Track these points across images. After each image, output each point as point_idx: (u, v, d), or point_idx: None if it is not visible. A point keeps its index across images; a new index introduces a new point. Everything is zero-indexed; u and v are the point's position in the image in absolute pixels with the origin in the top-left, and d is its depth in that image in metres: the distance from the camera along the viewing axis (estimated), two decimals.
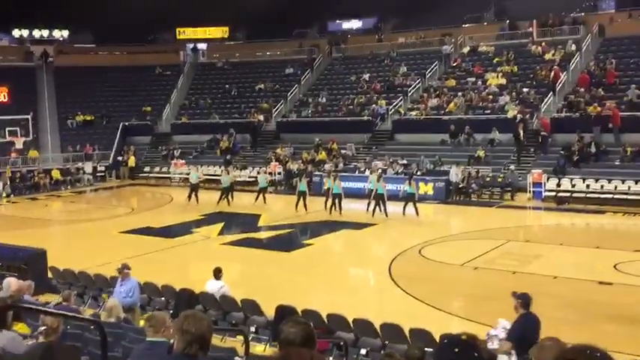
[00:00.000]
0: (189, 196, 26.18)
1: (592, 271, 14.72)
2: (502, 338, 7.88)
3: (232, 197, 25.94)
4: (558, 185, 24.74)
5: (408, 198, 22.30)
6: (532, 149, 28.03)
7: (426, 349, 5.76)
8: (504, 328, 8.02)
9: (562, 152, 26.27)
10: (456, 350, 2.08)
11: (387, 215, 21.99)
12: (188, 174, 29.52)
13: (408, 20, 40.92)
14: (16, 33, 45.03)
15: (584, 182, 24.37)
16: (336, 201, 22.82)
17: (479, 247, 17.28)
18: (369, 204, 22.65)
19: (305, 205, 23.51)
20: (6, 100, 36.97)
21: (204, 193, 27.08)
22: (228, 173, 27.20)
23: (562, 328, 10.57)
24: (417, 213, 21.98)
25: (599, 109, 27.15)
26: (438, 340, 7.83)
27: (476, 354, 2.10)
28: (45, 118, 38.78)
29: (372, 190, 22.70)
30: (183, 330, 3.10)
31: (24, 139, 33.55)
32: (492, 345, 7.91)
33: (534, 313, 7.96)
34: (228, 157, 33.14)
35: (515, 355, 7.58)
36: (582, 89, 29.08)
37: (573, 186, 24.46)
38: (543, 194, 24.69)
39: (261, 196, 25.69)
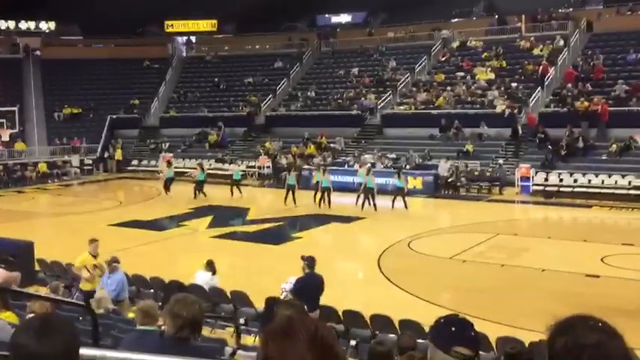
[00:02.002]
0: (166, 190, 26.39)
1: (579, 264, 14.83)
2: (288, 290, 9.76)
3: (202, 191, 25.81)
4: (546, 180, 24.88)
5: (397, 192, 22.34)
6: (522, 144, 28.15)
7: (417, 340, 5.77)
8: (291, 283, 9.82)
9: (550, 147, 26.39)
10: (453, 329, 2.08)
11: (376, 209, 22.01)
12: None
13: (397, 15, 40.84)
14: (2, 25, 44.51)
15: (571, 177, 24.53)
16: (325, 194, 22.81)
17: (467, 240, 17.35)
18: (358, 197, 22.67)
19: (294, 199, 23.48)
20: None
21: (186, 185, 26.98)
22: (202, 167, 26.92)
23: (550, 320, 10.65)
24: (406, 206, 22.03)
25: (586, 104, 27.29)
26: (427, 330, 7.85)
27: (472, 333, 2.10)
28: (31, 111, 38.45)
29: (362, 183, 22.72)
30: (174, 314, 3.07)
31: (10, 131, 33.28)
32: (285, 293, 9.97)
33: (319, 274, 9.58)
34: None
35: None
36: (570, 84, 29.22)
37: (561, 180, 24.60)
38: (531, 188, 24.80)
39: (236, 188, 25.83)
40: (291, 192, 23.59)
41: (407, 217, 21.66)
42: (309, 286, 9.32)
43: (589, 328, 1.68)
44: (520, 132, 27.74)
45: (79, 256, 11.42)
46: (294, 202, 23.40)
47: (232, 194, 25.69)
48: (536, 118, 28.32)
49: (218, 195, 25.87)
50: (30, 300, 6.09)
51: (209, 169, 28.68)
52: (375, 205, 22.09)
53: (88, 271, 11.09)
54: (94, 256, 11.26)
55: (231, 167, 27.79)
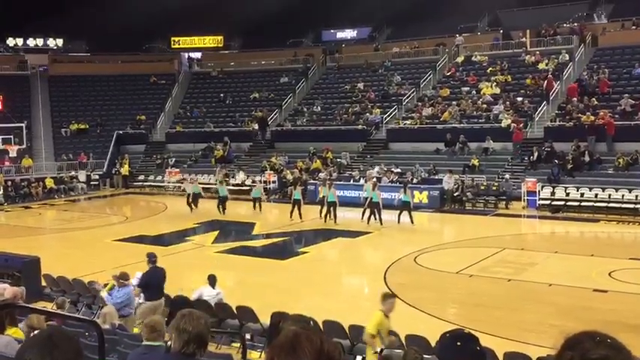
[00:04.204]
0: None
1: (587, 278, 14.73)
2: (135, 285, 11.00)
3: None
4: (553, 194, 24.80)
5: (404, 206, 22.30)
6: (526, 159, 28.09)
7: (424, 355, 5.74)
8: (137, 278, 11.16)
9: (556, 161, 26.33)
10: (459, 344, 2.08)
11: (382, 223, 21.98)
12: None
13: (402, 30, 41.05)
14: (10, 42, 44.94)
15: (578, 191, 24.44)
16: (331, 209, 22.79)
17: (474, 255, 17.28)
18: (364, 212, 22.64)
19: (300, 214, 23.47)
20: (0, 108, 36.86)
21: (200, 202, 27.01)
22: (222, 183, 26.92)
23: (558, 336, 10.57)
24: (412, 221, 21.99)
25: (592, 118, 27.27)
26: (433, 345, 7.81)
27: (478, 348, 2.10)
28: (39, 127, 38.69)
29: (367, 198, 22.70)
30: (181, 329, 3.07)
31: (18, 147, 33.43)
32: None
33: (161, 267, 11.05)
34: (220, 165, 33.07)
35: (143, 297, 10.68)
36: (575, 99, 29.23)
37: (567, 194, 24.52)
38: (538, 203, 24.73)
39: (257, 204, 25.91)
40: (296, 207, 23.59)
41: (413, 232, 21.61)
42: (155, 277, 10.77)
43: (596, 344, 1.68)
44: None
45: (373, 319, 8.28)
46: (300, 217, 23.39)
47: (260, 209, 25.98)
48: (524, 135, 28.37)
49: (229, 210, 25.81)
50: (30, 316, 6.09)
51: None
52: (381, 219, 22.06)
53: (382, 340, 8.07)
54: (387, 317, 8.29)
55: (254, 188, 27.25)
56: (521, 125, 28.94)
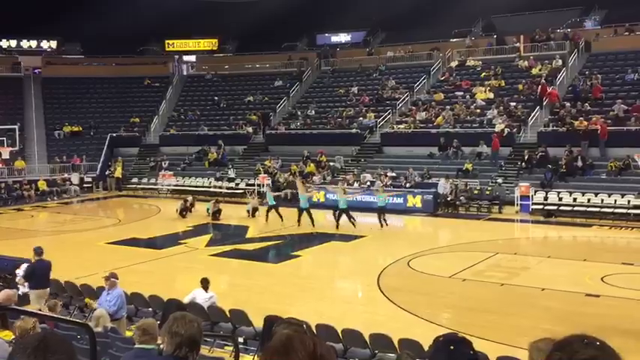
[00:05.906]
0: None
1: (580, 283, 14.78)
2: (21, 275, 12.11)
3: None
4: (546, 198, 24.87)
5: (380, 210, 22.35)
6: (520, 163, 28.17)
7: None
8: (23, 270, 12.24)
9: (549, 166, 26.42)
10: (452, 348, 2.08)
11: (355, 226, 21.87)
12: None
13: (396, 34, 41.13)
14: (4, 43, 44.77)
15: (571, 196, 24.51)
16: (336, 213, 22.59)
17: (467, 259, 17.30)
18: (336, 216, 22.50)
19: (299, 219, 23.17)
20: None
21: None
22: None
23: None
24: (385, 224, 21.98)
25: (585, 123, 27.38)
26: (426, 349, 7.81)
27: (471, 352, 2.10)
28: (32, 129, 38.55)
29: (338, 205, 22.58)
30: (173, 332, 3.05)
31: (10, 149, 33.30)
32: (18, 278, 12.33)
33: (47, 260, 12.03)
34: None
35: (27, 287, 11.69)
36: (568, 104, 29.36)
37: (560, 199, 24.59)
38: (531, 207, 24.78)
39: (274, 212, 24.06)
40: (298, 211, 23.32)
41: (406, 236, 21.63)
42: (40, 268, 11.84)
43: (585, 345, 1.70)
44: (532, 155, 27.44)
45: None
46: (298, 222, 23.15)
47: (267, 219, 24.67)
48: (499, 142, 28.39)
49: (227, 213, 25.78)
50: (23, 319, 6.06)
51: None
52: (354, 222, 21.95)
53: None
54: None
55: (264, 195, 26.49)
56: (514, 130, 29.03)
